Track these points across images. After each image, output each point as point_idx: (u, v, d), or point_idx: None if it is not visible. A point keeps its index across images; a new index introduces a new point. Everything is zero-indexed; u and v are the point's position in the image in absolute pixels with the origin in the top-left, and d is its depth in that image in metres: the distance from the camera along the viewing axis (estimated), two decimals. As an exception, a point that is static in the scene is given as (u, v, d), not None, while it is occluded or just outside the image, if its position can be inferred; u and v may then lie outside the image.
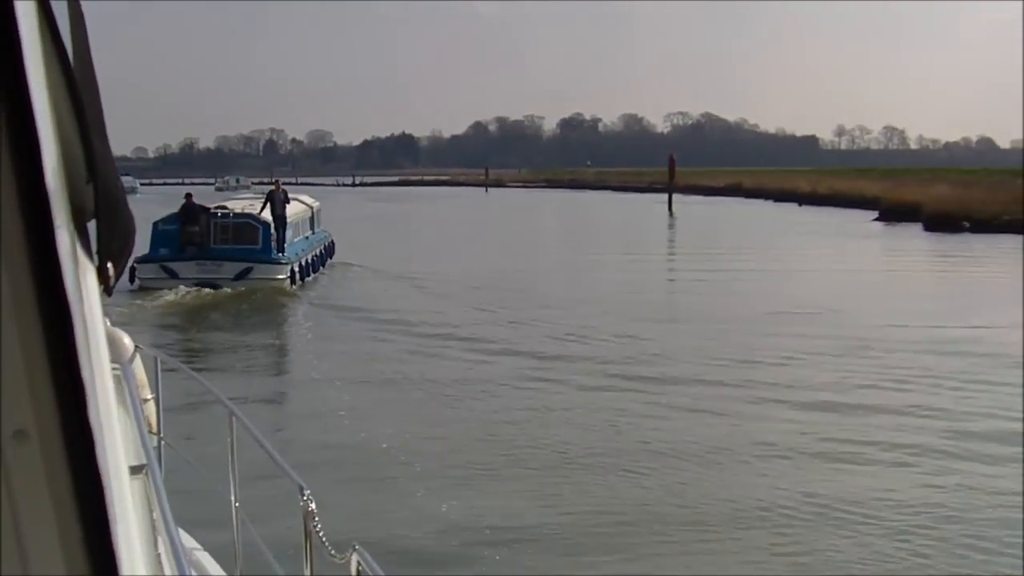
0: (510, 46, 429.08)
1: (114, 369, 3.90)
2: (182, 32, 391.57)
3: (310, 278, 28.31)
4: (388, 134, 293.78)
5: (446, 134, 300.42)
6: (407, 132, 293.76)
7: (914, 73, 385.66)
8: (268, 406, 14.19)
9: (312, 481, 3.55)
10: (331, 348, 18.25)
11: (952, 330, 18.88)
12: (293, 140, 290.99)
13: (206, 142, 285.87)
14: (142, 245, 25.56)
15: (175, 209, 26.74)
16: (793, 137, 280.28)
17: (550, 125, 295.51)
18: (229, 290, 25.00)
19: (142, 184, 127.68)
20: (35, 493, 1.01)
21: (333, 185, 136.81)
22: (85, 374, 1.01)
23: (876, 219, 52.46)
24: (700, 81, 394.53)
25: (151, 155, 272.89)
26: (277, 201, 27.41)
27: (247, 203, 29.21)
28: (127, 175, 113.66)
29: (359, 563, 2.93)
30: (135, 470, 3.01)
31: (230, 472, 4.58)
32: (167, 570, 2.74)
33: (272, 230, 26.70)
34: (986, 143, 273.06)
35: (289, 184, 37.71)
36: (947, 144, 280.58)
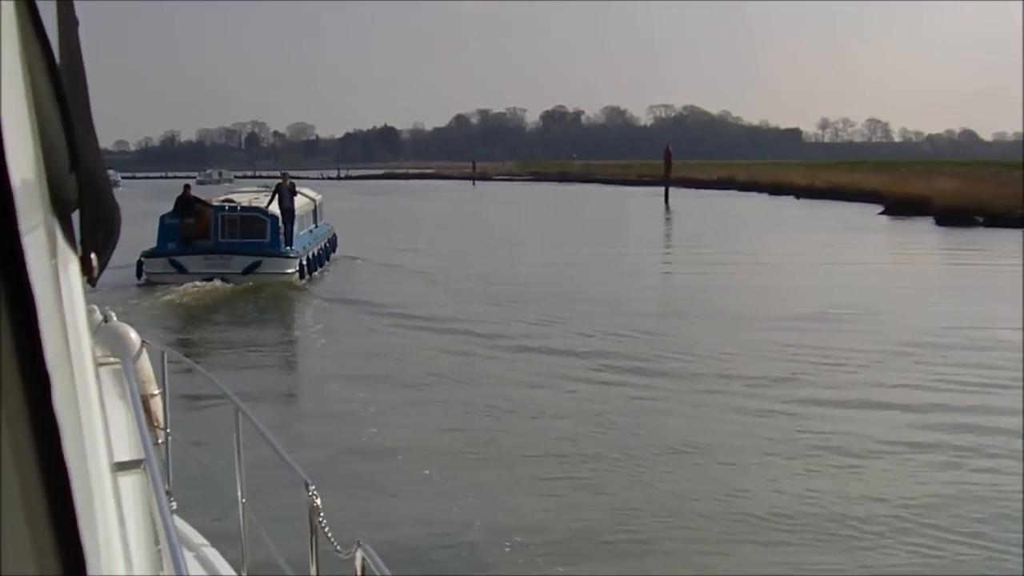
0: (490, 39, 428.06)
1: (114, 364, 4.09)
2: (163, 24, 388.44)
3: (317, 272, 27.55)
4: (370, 127, 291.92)
5: (428, 127, 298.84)
6: (389, 125, 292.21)
7: (897, 65, 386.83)
8: (277, 402, 13.91)
9: (318, 477, 3.53)
10: (341, 343, 17.91)
11: (1002, 331, 17.96)
12: (275, 133, 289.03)
13: (187, 135, 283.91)
14: (149, 240, 25.14)
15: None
16: (777, 130, 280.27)
17: (533, 117, 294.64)
18: (237, 285, 24.21)
19: (124, 178, 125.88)
20: (4, 490, 0.94)
21: (318, 179, 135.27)
22: (53, 367, 0.96)
23: (882, 213, 51.45)
24: (683, 74, 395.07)
25: (132, 148, 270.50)
26: (285, 194, 26.56)
27: (252, 196, 28.39)
28: (109, 169, 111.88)
29: (364, 559, 2.92)
30: (133, 465, 2.94)
31: (236, 467, 4.53)
32: (165, 565, 2.73)
33: (280, 223, 25.77)
34: (968, 135, 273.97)
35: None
36: (930, 136, 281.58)
